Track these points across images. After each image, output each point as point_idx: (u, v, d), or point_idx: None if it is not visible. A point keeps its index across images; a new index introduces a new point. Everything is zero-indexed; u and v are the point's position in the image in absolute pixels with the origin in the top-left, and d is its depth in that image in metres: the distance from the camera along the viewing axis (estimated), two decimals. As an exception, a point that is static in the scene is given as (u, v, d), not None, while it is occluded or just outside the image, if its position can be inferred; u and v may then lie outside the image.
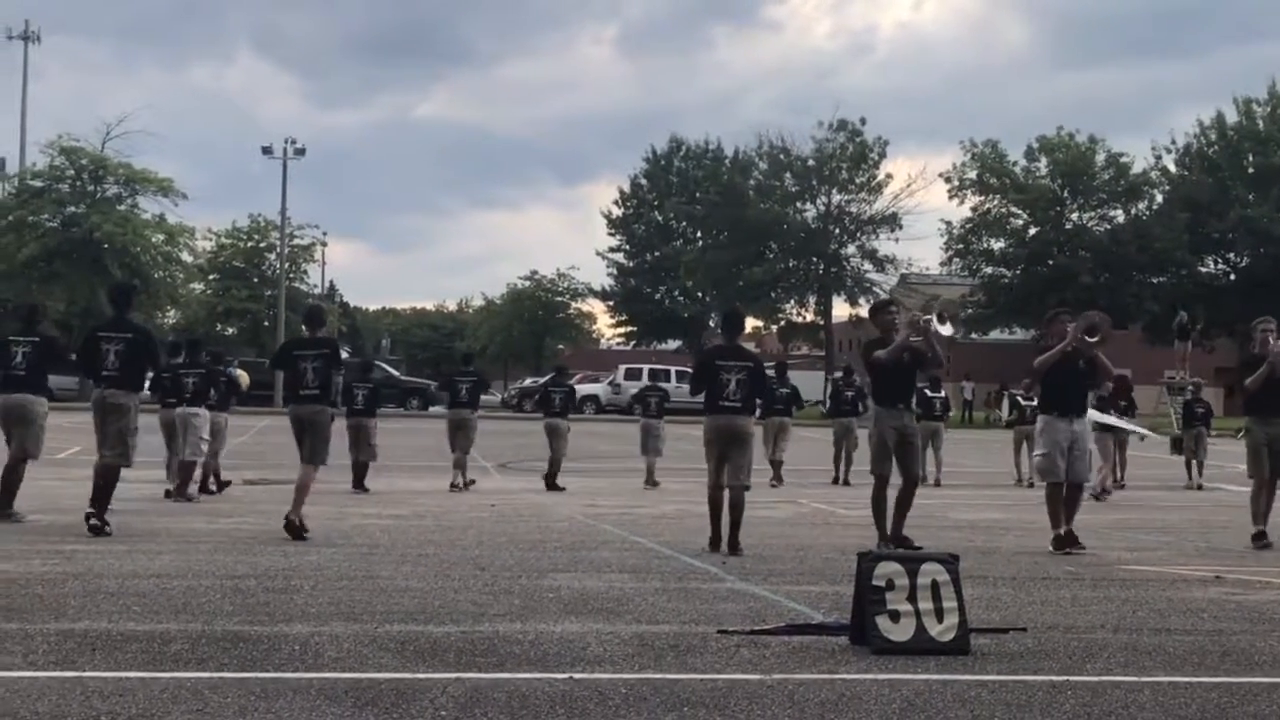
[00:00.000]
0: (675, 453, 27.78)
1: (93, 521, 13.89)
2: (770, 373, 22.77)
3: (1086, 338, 14.16)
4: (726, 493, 13.65)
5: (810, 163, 74.98)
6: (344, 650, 7.89)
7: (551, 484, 22.83)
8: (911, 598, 8.12)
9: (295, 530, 14.02)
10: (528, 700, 6.73)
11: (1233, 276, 71.91)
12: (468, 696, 6.76)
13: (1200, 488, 26.90)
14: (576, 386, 65.95)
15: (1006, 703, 6.88)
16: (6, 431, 15.67)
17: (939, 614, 8.12)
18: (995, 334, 75.01)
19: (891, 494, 14.02)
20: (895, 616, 8.08)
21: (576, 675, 7.29)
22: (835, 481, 26.24)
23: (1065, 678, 7.49)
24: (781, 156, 75.97)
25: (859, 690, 7.08)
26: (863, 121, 74.78)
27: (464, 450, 22.80)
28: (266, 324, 72.78)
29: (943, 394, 28.46)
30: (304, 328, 15.52)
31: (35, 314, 16.81)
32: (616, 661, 7.73)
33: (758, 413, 17.77)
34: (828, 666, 7.69)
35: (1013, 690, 7.17)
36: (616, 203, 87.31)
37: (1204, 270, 73.04)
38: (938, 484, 26.05)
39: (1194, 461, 28.04)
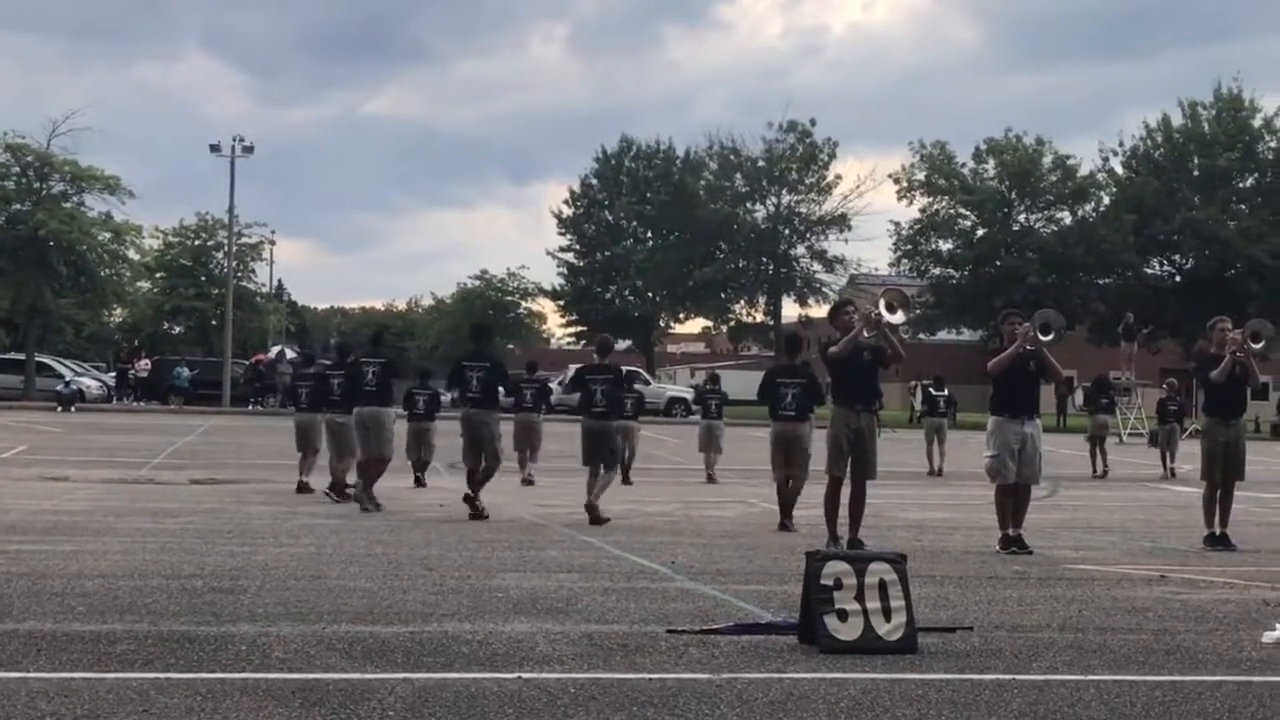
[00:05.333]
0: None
1: (470, 501, 17.04)
2: None
3: (1040, 335, 14.20)
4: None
5: (760, 163, 75.05)
6: (291, 651, 7.86)
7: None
8: (859, 597, 8.16)
9: (596, 516, 16.53)
10: (476, 700, 6.72)
11: (1178, 278, 72.34)
12: (416, 697, 6.75)
13: (1173, 474, 29.19)
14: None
15: (953, 701, 6.91)
16: (363, 437, 18.59)
17: (886, 613, 8.15)
18: (943, 334, 75.34)
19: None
20: (843, 616, 8.11)
21: (525, 675, 7.29)
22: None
23: (1011, 676, 7.53)
24: (732, 157, 75.99)
25: (807, 689, 7.11)
26: (812, 122, 74.94)
27: (532, 448, 24.78)
28: (214, 323, 72.24)
29: (946, 392, 31.40)
30: (595, 355, 18.63)
31: (380, 338, 20.43)
32: (565, 661, 7.73)
33: None
34: (776, 666, 7.71)
35: (959, 689, 7.21)
36: (567, 202, 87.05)
37: (1150, 272, 73.48)
38: (940, 473, 28.81)
39: (1167, 453, 30.50)
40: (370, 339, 20.32)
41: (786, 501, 16.45)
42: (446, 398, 24.04)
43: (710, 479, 26.19)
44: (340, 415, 19.61)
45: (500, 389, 18.03)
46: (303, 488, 20.95)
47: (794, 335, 18.12)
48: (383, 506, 17.98)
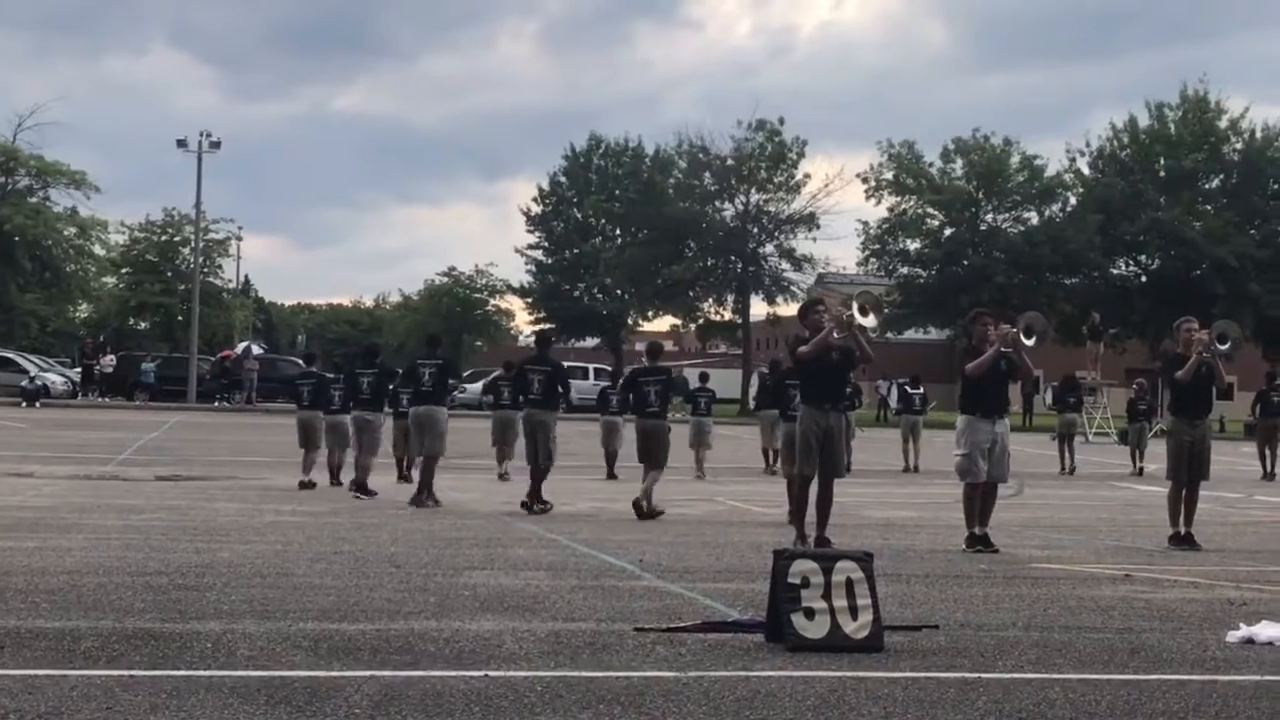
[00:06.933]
0: (592, 451, 27.72)
1: (535, 508, 17.72)
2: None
3: (1024, 339, 14.27)
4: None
5: (729, 162, 75.02)
6: (257, 648, 7.83)
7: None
8: (826, 595, 8.17)
9: (642, 512, 17.08)
10: (442, 698, 6.70)
11: (1143, 278, 72.66)
12: (382, 694, 6.73)
13: (1142, 472, 30.09)
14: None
15: (919, 700, 6.93)
16: (419, 436, 19.33)
17: (853, 611, 8.16)
18: (910, 333, 75.53)
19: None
20: (810, 614, 8.12)
21: (492, 673, 7.28)
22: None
23: (977, 675, 7.55)
24: (700, 155, 75.92)
25: (774, 687, 7.11)
26: (781, 121, 74.89)
27: (509, 444, 24.86)
28: (180, 318, 71.94)
29: (921, 390, 32.18)
30: (644, 359, 19.71)
31: (436, 342, 20.98)
32: (532, 659, 7.72)
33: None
34: (743, 664, 7.71)
35: (925, 687, 7.22)
36: (536, 199, 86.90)
37: (1115, 272, 73.82)
38: (917, 469, 29.52)
39: (1136, 451, 31.53)
40: (427, 342, 21.35)
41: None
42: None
43: (699, 475, 26.49)
44: (369, 413, 20.76)
45: (560, 390, 19.00)
46: (305, 485, 21.10)
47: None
48: (441, 503, 18.46)
